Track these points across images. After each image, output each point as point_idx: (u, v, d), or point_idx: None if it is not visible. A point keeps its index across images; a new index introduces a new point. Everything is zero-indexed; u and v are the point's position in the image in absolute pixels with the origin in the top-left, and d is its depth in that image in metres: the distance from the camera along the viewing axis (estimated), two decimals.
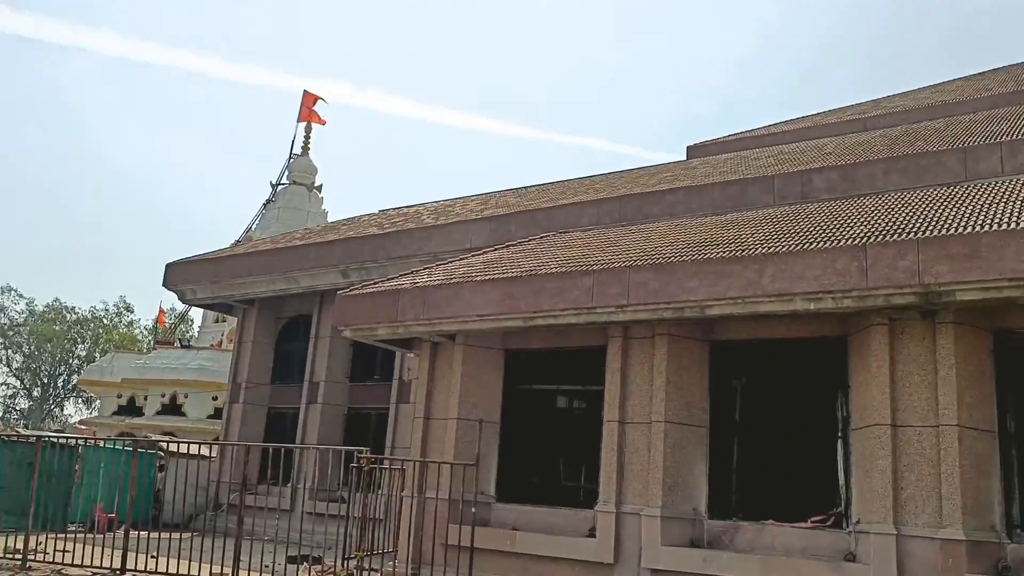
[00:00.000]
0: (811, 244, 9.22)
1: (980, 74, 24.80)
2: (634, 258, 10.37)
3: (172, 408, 31.98)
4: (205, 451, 20.28)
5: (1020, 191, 10.70)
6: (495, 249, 14.13)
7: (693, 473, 10.14)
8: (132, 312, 70.06)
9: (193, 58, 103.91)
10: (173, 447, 20.18)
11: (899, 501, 8.75)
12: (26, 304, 67.33)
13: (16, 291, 67.08)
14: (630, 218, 16.03)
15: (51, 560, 12.73)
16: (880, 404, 8.99)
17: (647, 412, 10.33)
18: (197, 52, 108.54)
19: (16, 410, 67.86)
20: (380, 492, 11.56)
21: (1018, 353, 9.03)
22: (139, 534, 12.57)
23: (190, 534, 14.19)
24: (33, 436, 17.31)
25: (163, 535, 13.30)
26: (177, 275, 23.96)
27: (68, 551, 12.78)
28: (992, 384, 8.92)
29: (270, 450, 19.17)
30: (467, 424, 11.67)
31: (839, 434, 9.75)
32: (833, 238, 9.33)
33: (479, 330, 11.43)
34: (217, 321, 38.70)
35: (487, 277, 11.15)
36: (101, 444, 19.46)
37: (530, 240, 14.21)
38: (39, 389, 67.82)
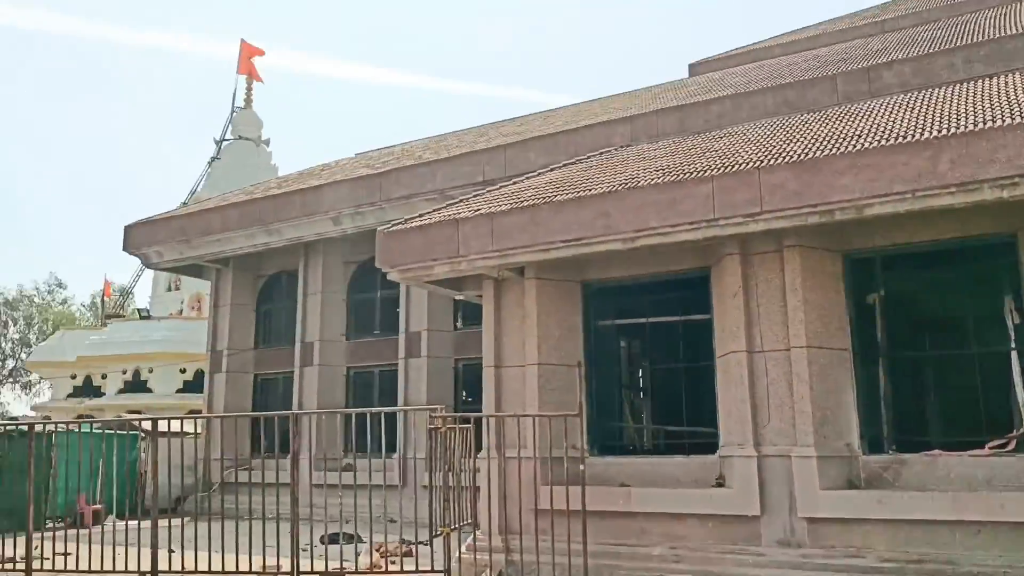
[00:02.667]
0: (992, 122, 7.75)
1: None
2: (758, 159, 8.76)
3: (136, 385, 29.43)
4: (188, 427, 18.29)
5: None
6: (552, 170, 12.33)
7: (842, 404, 8.71)
8: (65, 288, 65.79)
9: (119, 29, 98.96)
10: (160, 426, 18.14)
11: None
12: None
13: None
14: (670, 133, 14.46)
15: (56, 567, 10.75)
16: None
17: (782, 338, 8.83)
18: (133, 24, 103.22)
19: None
20: (463, 456, 9.86)
21: None
22: (127, 524, 10.79)
23: (181, 518, 12.82)
24: None
25: (159, 523, 11.13)
26: (140, 237, 21.59)
27: (70, 553, 10.82)
28: None
29: (261, 420, 17.36)
30: (549, 370, 10.05)
31: (1012, 346, 8.43)
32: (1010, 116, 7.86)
33: (556, 260, 9.74)
34: (170, 289, 35.98)
35: (572, 196, 9.41)
36: (77, 429, 17.31)
37: (589, 157, 12.45)
38: None
